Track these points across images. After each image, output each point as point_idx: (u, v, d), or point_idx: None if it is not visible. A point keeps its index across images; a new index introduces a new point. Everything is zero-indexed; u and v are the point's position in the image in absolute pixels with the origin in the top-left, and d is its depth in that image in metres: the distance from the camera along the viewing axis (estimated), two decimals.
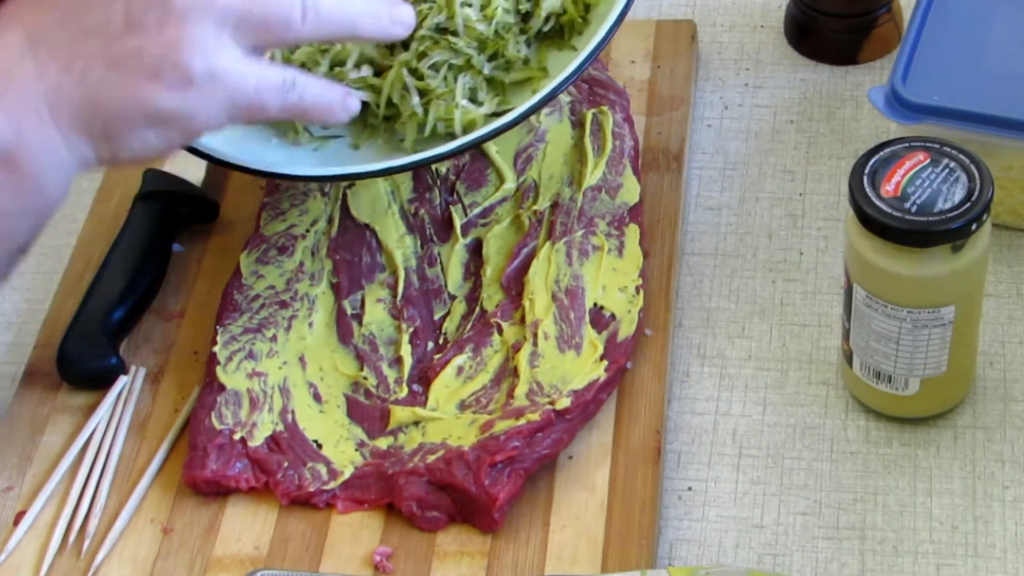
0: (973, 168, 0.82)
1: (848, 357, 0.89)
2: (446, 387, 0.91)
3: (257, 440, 0.89)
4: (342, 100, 0.85)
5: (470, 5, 0.93)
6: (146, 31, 0.76)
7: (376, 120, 0.96)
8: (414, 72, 0.93)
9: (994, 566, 0.83)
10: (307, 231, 0.98)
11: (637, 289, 0.93)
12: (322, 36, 0.82)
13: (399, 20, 0.84)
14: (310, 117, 0.85)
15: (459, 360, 0.91)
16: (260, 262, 0.97)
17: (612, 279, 0.94)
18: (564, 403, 0.87)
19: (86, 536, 0.87)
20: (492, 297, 0.94)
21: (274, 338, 0.93)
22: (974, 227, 0.80)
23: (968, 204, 0.80)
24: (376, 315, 0.94)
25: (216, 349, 0.92)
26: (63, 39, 0.76)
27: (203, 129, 0.80)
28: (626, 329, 0.91)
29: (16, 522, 0.88)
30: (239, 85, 0.78)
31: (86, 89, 0.76)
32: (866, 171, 0.82)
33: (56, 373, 0.94)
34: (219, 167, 0.94)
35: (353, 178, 0.94)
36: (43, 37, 0.76)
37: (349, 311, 0.95)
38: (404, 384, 0.91)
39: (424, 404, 0.90)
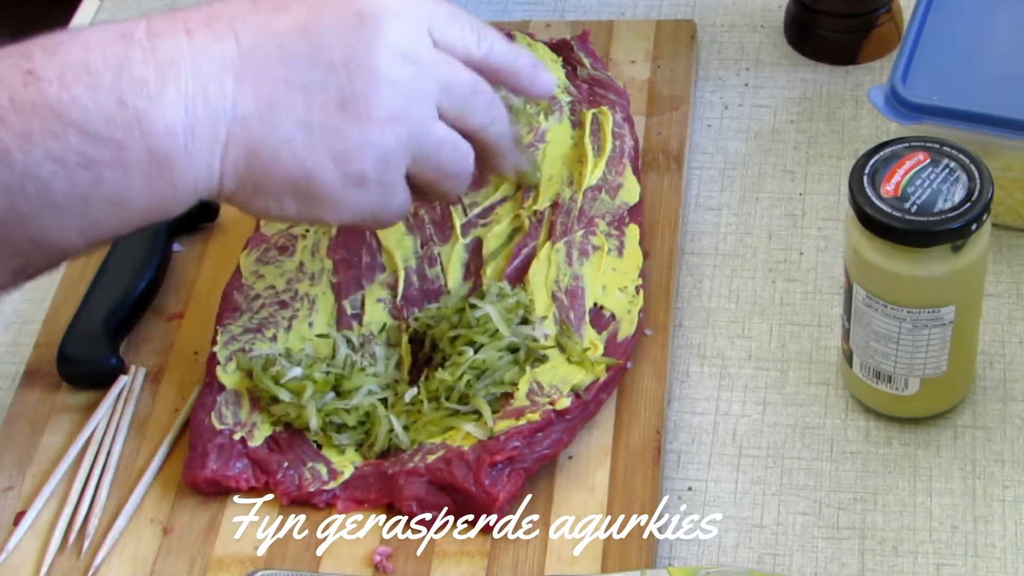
0: (973, 168, 0.82)
1: (848, 357, 0.89)
2: None
3: (257, 440, 0.89)
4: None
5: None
6: (352, 117, 0.77)
7: None
8: None
9: (994, 566, 0.83)
10: (307, 231, 0.98)
11: (637, 289, 0.93)
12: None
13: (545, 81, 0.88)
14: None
15: None
16: (260, 262, 0.97)
17: (612, 279, 0.94)
18: (564, 403, 0.87)
19: (86, 536, 0.87)
20: None
21: (274, 338, 0.93)
22: (974, 227, 0.80)
23: (968, 204, 0.80)
24: (376, 315, 0.94)
25: (216, 349, 0.92)
26: (272, 80, 0.76)
27: (338, 221, 0.81)
28: (626, 329, 0.91)
29: (16, 522, 0.88)
30: (392, 202, 0.81)
31: (268, 136, 0.76)
32: (866, 171, 0.82)
33: (56, 373, 0.94)
34: None
35: None
36: (254, 66, 0.76)
37: (349, 311, 0.95)
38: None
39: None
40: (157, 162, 0.74)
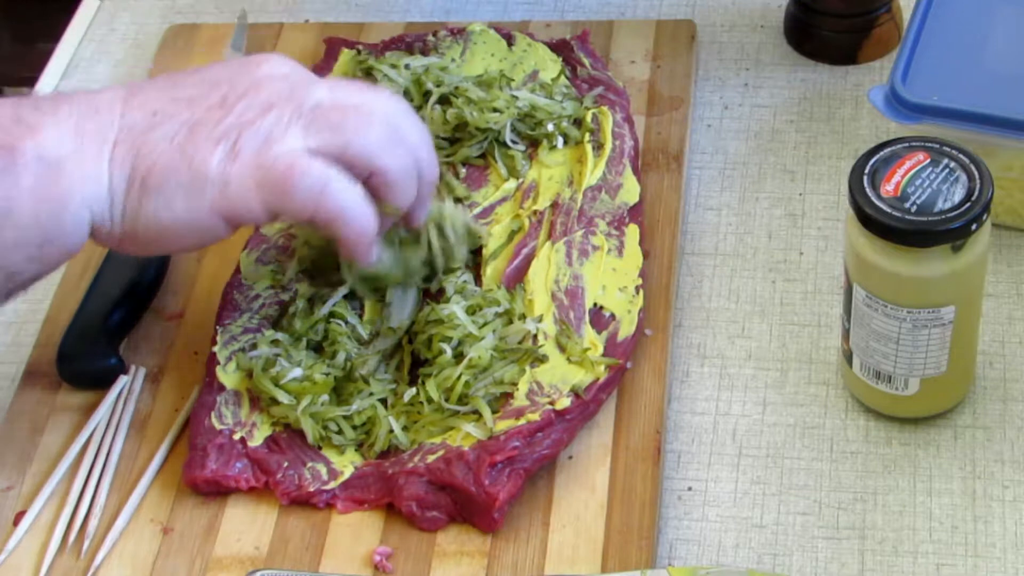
0: (973, 168, 0.82)
1: (848, 357, 0.89)
2: None
3: (257, 440, 0.89)
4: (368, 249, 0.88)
5: None
6: (231, 110, 0.83)
7: None
8: None
9: (994, 566, 0.83)
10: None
11: (637, 289, 0.93)
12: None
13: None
14: (328, 230, 0.87)
15: None
16: (260, 262, 0.97)
17: (612, 279, 0.94)
18: (564, 403, 0.87)
19: (86, 536, 0.87)
20: None
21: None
22: (974, 227, 0.80)
23: (968, 204, 0.80)
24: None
25: (216, 349, 0.92)
26: (159, 97, 0.84)
27: (231, 210, 0.83)
28: (626, 329, 0.91)
29: (16, 522, 0.88)
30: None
31: (153, 136, 0.82)
32: (866, 171, 0.82)
33: (56, 373, 0.94)
34: None
35: None
36: (142, 92, 0.84)
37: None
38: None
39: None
40: (47, 165, 0.80)
